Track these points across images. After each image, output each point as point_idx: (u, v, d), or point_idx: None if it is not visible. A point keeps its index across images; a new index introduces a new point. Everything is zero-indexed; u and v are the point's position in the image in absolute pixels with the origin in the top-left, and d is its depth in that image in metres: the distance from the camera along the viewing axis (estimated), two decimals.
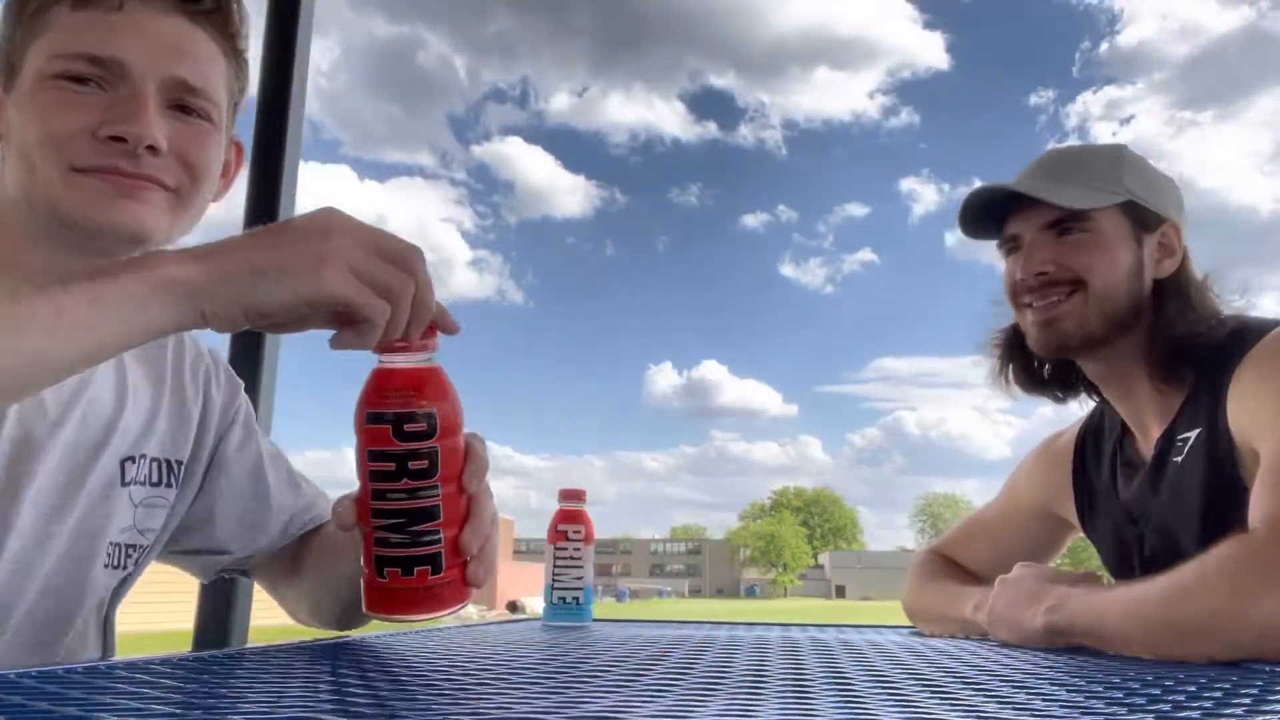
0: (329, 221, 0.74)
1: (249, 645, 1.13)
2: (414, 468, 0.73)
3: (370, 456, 0.74)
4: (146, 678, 0.61)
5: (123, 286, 0.69)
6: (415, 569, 0.74)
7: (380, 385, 0.74)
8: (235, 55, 0.99)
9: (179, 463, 1.07)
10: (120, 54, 0.89)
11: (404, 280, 0.74)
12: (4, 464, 0.90)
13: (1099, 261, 1.26)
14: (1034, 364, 1.40)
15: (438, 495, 0.74)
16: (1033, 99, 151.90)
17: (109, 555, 1.00)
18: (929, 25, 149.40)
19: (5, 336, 0.66)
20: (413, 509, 0.74)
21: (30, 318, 0.67)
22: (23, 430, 0.92)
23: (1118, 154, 1.32)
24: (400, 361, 0.74)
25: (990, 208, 1.35)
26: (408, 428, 0.72)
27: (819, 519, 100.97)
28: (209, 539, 1.12)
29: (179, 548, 1.13)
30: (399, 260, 0.74)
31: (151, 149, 0.89)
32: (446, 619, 0.80)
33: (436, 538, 0.75)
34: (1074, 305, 1.26)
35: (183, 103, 0.93)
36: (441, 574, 0.75)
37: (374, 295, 0.72)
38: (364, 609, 0.79)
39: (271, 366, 1.73)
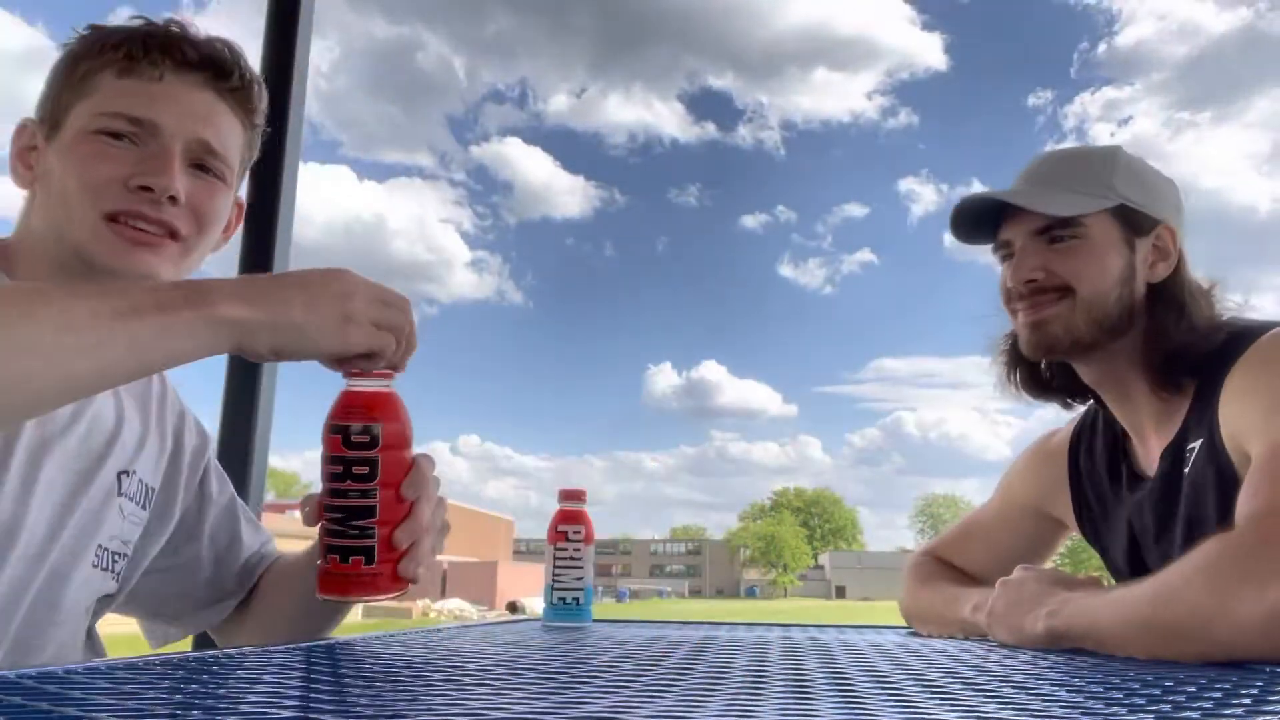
0: (349, 286, 0.88)
1: (249, 645, 1.14)
2: (357, 472, 0.87)
3: (328, 460, 0.88)
4: (147, 678, 0.61)
5: (187, 320, 0.81)
6: (351, 557, 0.88)
7: (344, 403, 0.89)
8: (252, 128, 1.14)
9: (152, 489, 1.16)
10: (155, 117, 1.03)
11: (405, 321, 0.91)
12: (23, 461, 0.98)
13: (1088, 268, 1.25)
14: (1039, 369, 1.40)
15: (375, 497, 0.88)
16: (1031, 100, 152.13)
17: (97, 557, 1.07)
18: (927, 26, 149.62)
19: (85, 357, 0.77)
20: (353, 506, 0.87)
21: (109, 342, 0.78)
22: (40, 431, 1.00)
23: (1111, 157, 1.31)
24: (363, 385, 0.89)
25: (984, 213, 1.34)
26: (355, 438, 0.87)
27: (819, 519, 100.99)
28: (190, 579, 1.24)
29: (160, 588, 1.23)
30: (400, 306, 0.91)
31: (172, 199, 1.02)
32: (387, 602, 0.94)
33: (371, 533, 0.88)
34: (1061, 309, 1.26)
35: (202, 162, 1.07)
36: (374, 565, 0.88)
37: (388, 337, 0.89)
38: (316, 592, 0.91)
39: (272, 369, 1.74)
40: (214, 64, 1.07)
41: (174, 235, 1.04)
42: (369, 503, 0.87)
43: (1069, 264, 1.26)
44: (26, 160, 1.07)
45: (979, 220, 1.35)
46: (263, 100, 1.14)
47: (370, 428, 0.87)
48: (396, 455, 0.89)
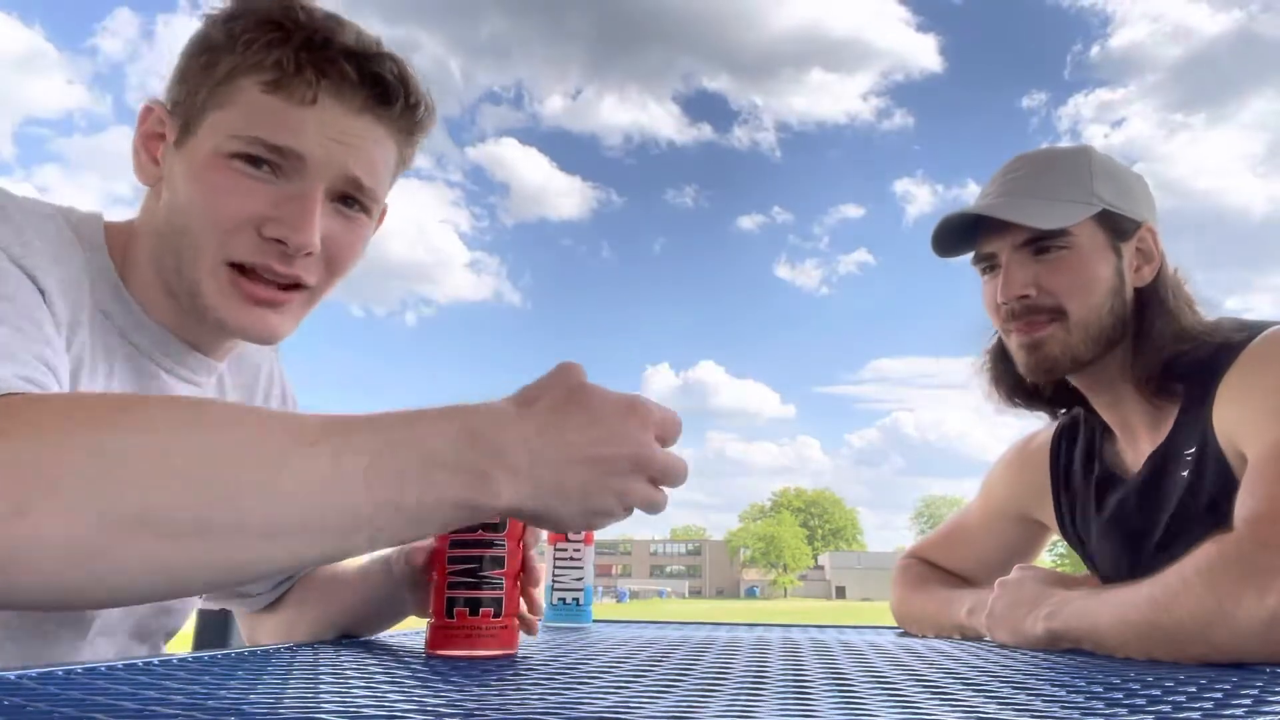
0: (642, 454, 0.69)
1: (249, 645, 1.14)
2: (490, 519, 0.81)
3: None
4: (146, 678, 0.61)
5: (456, 505, 0.63)
6: (480, 609, 0.85)
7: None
8: (410, 145, 0.98)
9: None
10: (302, 148, 0.86)
11: (677, 481, 0.73)
12: None
13: (1079, 281, 1.22)
14: (1024, 381, 1.38)
15: (504, 547, 0.86)
16: (1025, 101, 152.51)
17: None
18: (921, 28, 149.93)
19: (338, 538, 0.61)
20: (485, 557, 0.85)
21: (376, 523, 0.62)
22: None
23: (1085, 159, 1.27)
24: None
25: (962, 224, 1.29)
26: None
27: (819, 520, 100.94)
28: None
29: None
30: (678, 471, 0.72)
31: (308, 254, 0.89)
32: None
33: (500, 584, 0.85)
34: (1056, 330, 1.23)
35: (347, 195, 0.91)
36: (501, 617, 0.86)
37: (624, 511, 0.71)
38: (427, 649, 0.87)
39: None
40: (377, 83, 0.89)
41: (299, 286, 0.91)
42: (499, 553, 0.85)
43: (1060, 279, 1.22)
44: (153, 151, 0.92)
45: (959, 232, 1.31)
46: (432, 121, 0.97)
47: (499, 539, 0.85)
48: (517, 544, 0.87)
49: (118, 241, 0.93)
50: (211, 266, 0.88)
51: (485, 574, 0.85)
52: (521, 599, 0.90)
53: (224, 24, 0.88)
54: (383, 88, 0.89)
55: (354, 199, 0.92)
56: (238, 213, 0.86)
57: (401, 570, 1.02)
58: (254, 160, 0.86)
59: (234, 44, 0.87)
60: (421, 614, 1.01)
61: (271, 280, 0.89)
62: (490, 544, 0.85)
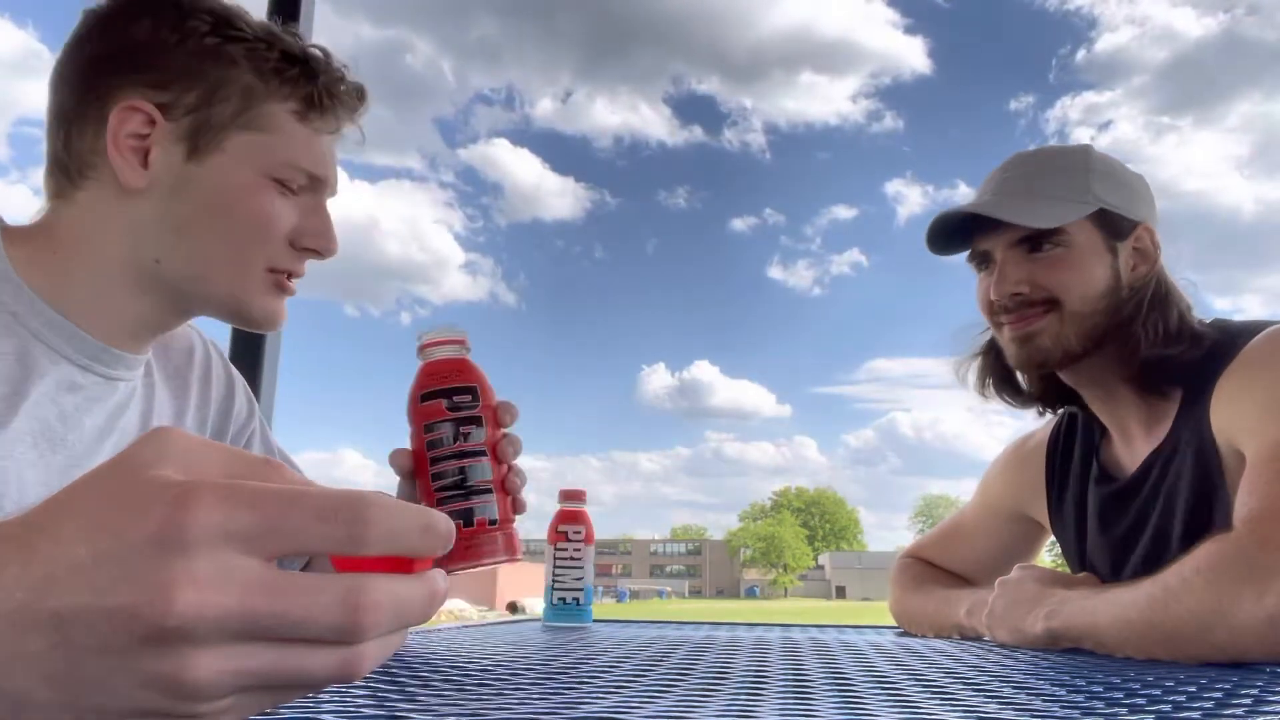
0: (155, 603, 0.32)
1: None
2: (465, 432, 0.87)
3: (429, 429, 0.87)
4: None
5: None
6: (476, 519, 0.86)
7: (436, 370, 0.89)
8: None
9: None
10: (326, 175, 1.02)
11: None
12: (54, 487, 0.92)
13: (1073, 279, 1.22)
14: (1015, 377, 1.37)
15: (486, 456, 0.88)
16: (1012, 104, 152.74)
17: None
18: (910, 30, 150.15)
19: None
20: (470, 467, 0.87)
21: None
22: (69, 456, 0.95)
23: (1085, 158, 1.27)
24: (448, 353, 0.90)
25: (957, 222, 1.29)
26: (458, 399, 0.88)
27: (820, 520, 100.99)
28: None
29: None
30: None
31: None
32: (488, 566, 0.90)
33: (490, 492, 0.87)
34: (1049, 322, 1.22)
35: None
36: (498, 525, 0.87)
37: None
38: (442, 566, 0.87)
39: (272, 367, 1.74)
40: (357, 115, 1.05)
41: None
42: (483, 461, 0.87)
43: (1054, 275, 1.22)
44: (142, 153, 0.93)
45: (953, 229, 1.31)
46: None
47: (471, 387, 0.89)
48: (492, 409, 0.90)
49: (24, 244, 0.94)
50: (258, 273, 0.99)
51: (473, 484, 0.86)
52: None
53: (246, 47, 0.95)
54: (355, 111, 1.05)
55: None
56: (280, 229, 0.98)
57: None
58: (287, 184, 0.98)
59: (260, 69, 0.95)
60: None
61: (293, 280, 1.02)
62: (474, 453, 0.87)
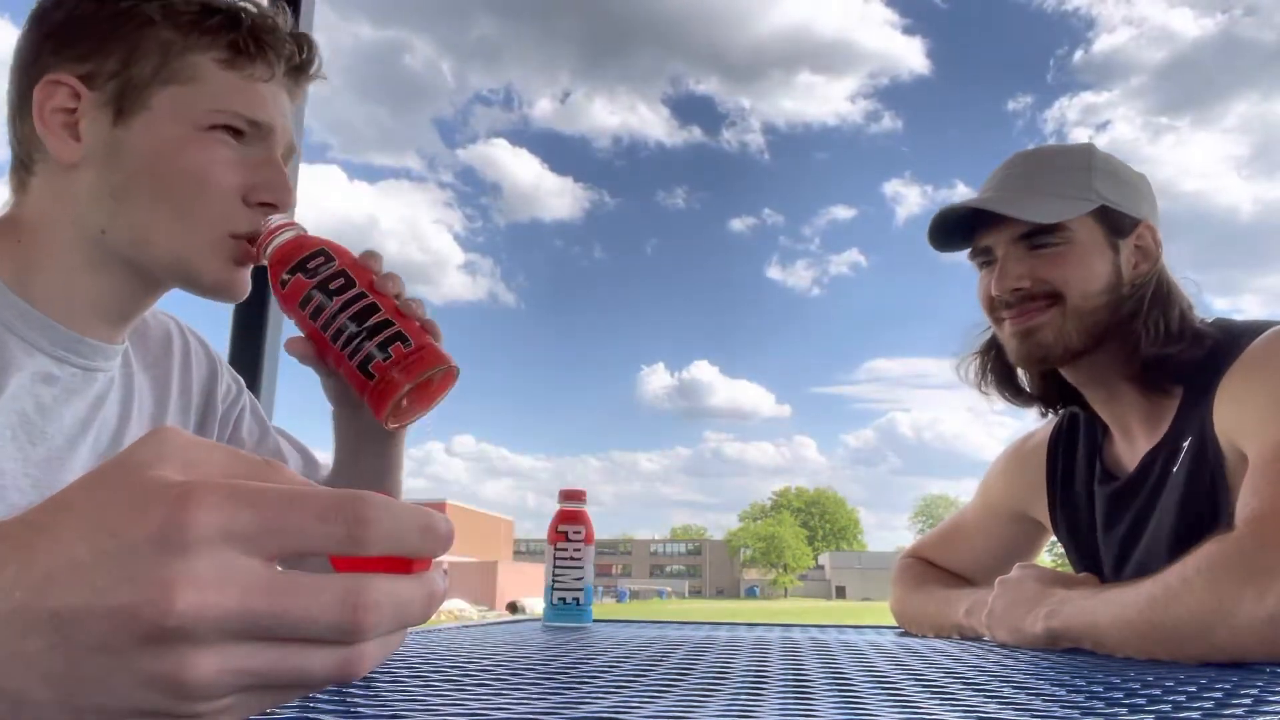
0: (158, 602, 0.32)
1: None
2: (335, 287, 0.86)
3: (304, 302, 0.87)
4: None
5: None
6: (390, 348, 0.85)
7: (285, 252, 0.89)
8: (300, 95, 1.06)
9: None
10: (270, 120, 0.96)
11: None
12: (34, 484, 0.93)
13: (1075, 274, 1.22)
14: (1016, 375, 1.37)
15: (368, 296, 0.87)
16: (1010, 104, 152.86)
17: None
18: (908, 30, 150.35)
19: None
20: (356, 311, 0.86)
21: None
22: (50, 449, 0.95)
23: (1087, 156, 1.28)
24: (285, 236, 0.91)
25: (959, 219, 1.30)
26: (312, 264, 0.88)
27: (820, 520, 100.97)
28: None
29: None
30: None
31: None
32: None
33: (389, 321, 0.86)
34: (1051, 317, 1.23)
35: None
36: (411, 345, 0.85)
37: None
38: (381, 421, 0.87)
39: (273, 367, 1.74)
40: (301, 65, 1.02)
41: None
42: (367, 301, 0.86)
43: (1056, 270, 1.23)
44: (72, 127, 0.93)
45: (954, 226, 1.31)
46: (320, 73, 1.07)
47: (319, 250, 0.88)
48: (352, 259, 0.90)
49: None
50: (216, 238, 0.94)
51: (368, 322, 0.85)
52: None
53: (153, 2, 0.93)
54: (304, 68, 1.02)
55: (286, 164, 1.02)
56: (229, 183, 0.93)
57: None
58: (234, 132, 0.94)
59: (177, 21, 0.93)
60: (356, 400, 0.94)
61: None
62: (354, 299, 0.86)
